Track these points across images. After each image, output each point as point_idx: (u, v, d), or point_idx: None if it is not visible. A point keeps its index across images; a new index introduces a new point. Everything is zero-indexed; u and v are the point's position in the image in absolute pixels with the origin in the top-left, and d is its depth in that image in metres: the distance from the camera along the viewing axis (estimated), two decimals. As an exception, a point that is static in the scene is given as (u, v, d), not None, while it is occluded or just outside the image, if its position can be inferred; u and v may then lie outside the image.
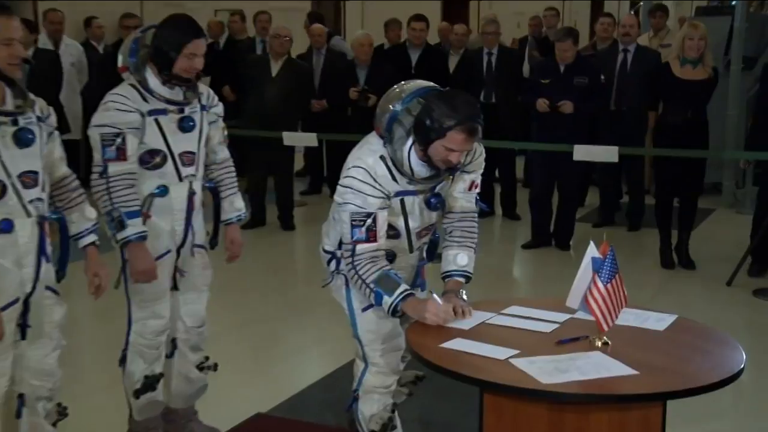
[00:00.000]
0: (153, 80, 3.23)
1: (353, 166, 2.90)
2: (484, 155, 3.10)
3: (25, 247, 2.77)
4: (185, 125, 3.30)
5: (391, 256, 3.01)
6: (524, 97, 7.08)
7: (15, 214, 2.72)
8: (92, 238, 3.01)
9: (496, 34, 7.68)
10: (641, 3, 11.26)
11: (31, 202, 2.77)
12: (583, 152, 6.43)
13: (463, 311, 2.85)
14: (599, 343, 2.63)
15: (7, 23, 2.67)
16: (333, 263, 3.16)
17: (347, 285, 3.09)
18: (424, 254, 3.20)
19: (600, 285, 2.58)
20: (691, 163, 6.16)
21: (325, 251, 3.20)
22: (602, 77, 6.86)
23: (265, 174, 7.62)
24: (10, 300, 2.76)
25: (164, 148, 3.27)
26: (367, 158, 2.91)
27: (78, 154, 7.85)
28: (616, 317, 2.63)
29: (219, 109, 3.50)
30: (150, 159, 3.25)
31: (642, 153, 7.36)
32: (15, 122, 2.71)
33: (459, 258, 3.09)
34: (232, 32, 9.52)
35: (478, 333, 2.77)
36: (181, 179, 3.32)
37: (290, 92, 7.29)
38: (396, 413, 3.20)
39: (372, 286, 2.86)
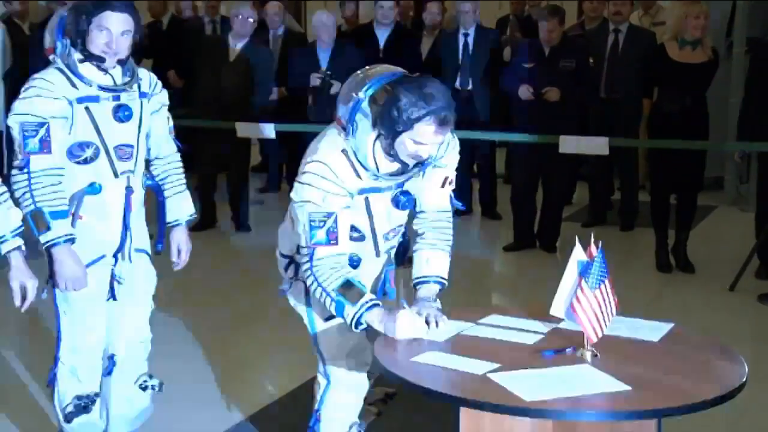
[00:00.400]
0: (78, 58, 3.20)
1: (311, 161, 2.89)
2: (458, 148, 3.10)
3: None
4: (121, 114, 3.27)
5: (355, 262, 3.00)
6: (505, 82, 7.10)
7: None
8: (17, 242, 2.96)
9: (473, 13, 7.69)
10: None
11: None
12: (570, 144, 6.47)
13: (436, 322, 2.85)
14: (587, 356, 2.64)
15: None
16: (291, 269, 3.15)
17: (307, 293, 3.08)
18: (392, 258, 3.20)
19: (587, 291, 2.59)
20: (689, 155, 6.22)
21: (283, 255, 3.19)
22: (591, 60, 6.90)
23: (217, 169, 7.58)
24: None
25: (96, 141, 3.24)
26: (326, 152, 2.90)
27: (1, 149, 7.76)
28: (606, 326, 2.64)
29: (163, 96, 3.48)
30: (80, 152, 3.22)
31: (636, 145, 7.42)
32: None
33: (432, 263, 3.08)
34: (177, 11, 9.47)
35: (453, 345, 2.77)
36: (116, 175, 3.29)
37: (249, 79, 7.26)
38: (363, 436, 3.20)
39: (333, 294, 2.83)
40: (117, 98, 3.27)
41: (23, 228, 3.00)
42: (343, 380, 3.12)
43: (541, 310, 2.88)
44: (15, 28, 8.77)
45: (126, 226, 3.36)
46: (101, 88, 3.23)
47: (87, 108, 3.21)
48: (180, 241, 3.59)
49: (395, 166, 2.92)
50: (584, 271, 2.62)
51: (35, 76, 3.20)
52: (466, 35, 7.69)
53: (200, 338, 5.14)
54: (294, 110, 7.77)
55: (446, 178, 3.09)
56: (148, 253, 3.51)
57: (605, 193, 8.02)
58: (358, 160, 2.89)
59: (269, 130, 7.35)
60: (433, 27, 8.38)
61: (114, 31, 3.16)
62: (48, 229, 3.14)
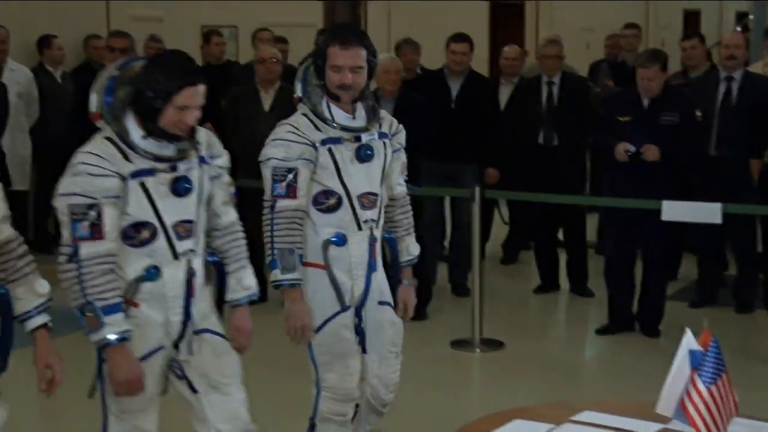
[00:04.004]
0: (136, 132, 3.27)
1: (276, 127, 3.84)
2: (404, 132, 4.08)
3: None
4: (180, 188, 3.33)
5: (340, 239, 3.82)
6: (596, 138, 7.13)
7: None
8: (43, 319, 3.07)
9: (557, 58, 7.76)
10: (750, 17, 11.25)
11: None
12: (674, 210, 6.42)
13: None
14: (702, 462, 2.66)
15: None
16: None
17: None
18: (376, 235, 3.91)
19: (701, 387, 2.61)
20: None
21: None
22: (698, 113, 6.91)
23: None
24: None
25: (153, 219, 3.30)
26: (290, 118, 3.86)
27: (26, 211, 7.85)
28: (725, 430, 2.65)
29: (224, 159, 3.56)
30: (135, 234, 3.28)
31: (753, 212, 7.32)
32: None
33: (412, 248, 4.15)
34: (211, 55, 9.58)
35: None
36: (176, 257, 3.36)
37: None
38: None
39: (275, 250, 3.73)
40: (174, 168, 3.33)
41: (51, 302, 3.10)
42: (331, 386, 3.94)
43: (644, 407, 2.90)
44: (46, 76, 8.85)
45: (188, 314, 3.41)
46: (156, 158, 3.29)
47: (142, 183, 3.27)
48: (240, 324, 3.62)
49: (348, 116, 3.83)
50: (697, 363, 2.64)
51: (82, 149, 3.24)
52: (550, 84, 7.76)
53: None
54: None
55: (403, 164, 4.10)
56: (221, 335, 3.55)
57: (717, 267, 7.96)
58: (317, 116, 3.80)
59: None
60: (512, 74, 8.48)
61: (193, 106, 3.27)
62: (100, 326, 3.18)
